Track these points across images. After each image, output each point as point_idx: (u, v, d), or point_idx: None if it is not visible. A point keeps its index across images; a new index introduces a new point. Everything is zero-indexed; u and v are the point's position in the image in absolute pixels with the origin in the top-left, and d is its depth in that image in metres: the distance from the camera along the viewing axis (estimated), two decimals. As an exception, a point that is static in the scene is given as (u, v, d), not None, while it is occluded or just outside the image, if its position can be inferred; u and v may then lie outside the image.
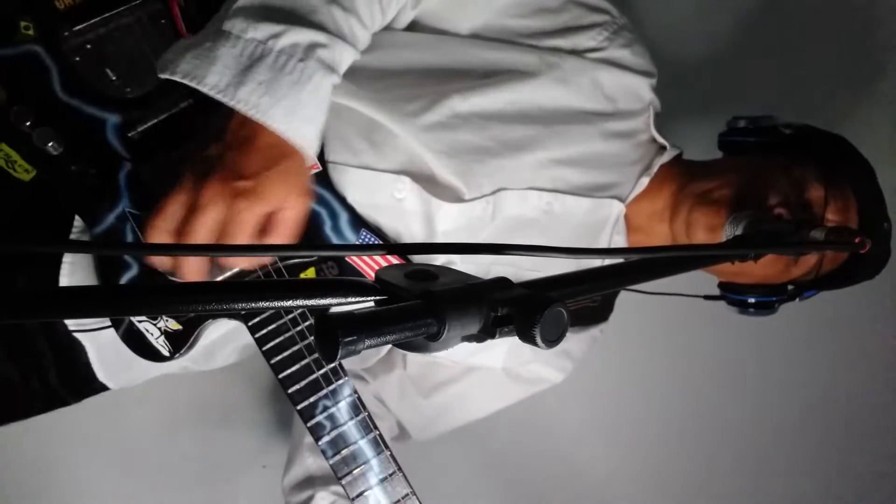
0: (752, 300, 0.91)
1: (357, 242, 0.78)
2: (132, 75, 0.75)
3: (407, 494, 0.80)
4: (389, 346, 0.36)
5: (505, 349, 0.93)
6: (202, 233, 0.65)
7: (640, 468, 1.50)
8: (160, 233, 0.66)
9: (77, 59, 0.73)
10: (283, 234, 0.68)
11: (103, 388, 0.90)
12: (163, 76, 0.67)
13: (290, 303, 0.38)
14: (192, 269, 0.69)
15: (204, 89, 0.65)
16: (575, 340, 1.00)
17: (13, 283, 0.80)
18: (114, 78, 0.75)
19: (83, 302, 0.32)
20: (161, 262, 0.71)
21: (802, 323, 1.32)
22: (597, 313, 1.01)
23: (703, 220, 0.85)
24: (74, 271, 0.81)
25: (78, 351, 0.85)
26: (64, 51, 0.73)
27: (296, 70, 0.67)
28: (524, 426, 1.37)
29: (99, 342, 0.85)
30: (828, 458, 1.44)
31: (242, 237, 0.65)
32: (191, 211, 0.65)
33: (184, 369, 0.94)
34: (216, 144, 0.68)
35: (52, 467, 1.36)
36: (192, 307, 0.34)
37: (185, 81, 0.66)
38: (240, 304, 0.35)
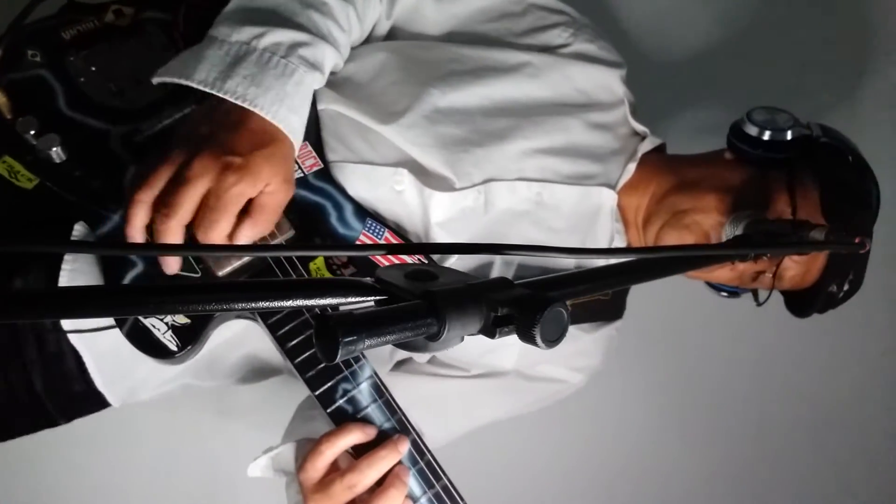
0: (724, 293, 0.97)
1: (364, 231, 0.79)
2: (135, 90, 0.79)
3: (444, 483, 0.76)
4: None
5: (517, 351, 0.92)
6: (187, 206, 0.64)
7: (644, 473, 1.49)
8: (142, 206, 0.65)
9: (82, 79, 0.78)
10: (265, 218, 0.69)
11: (102, 401, 0.86)
12: (155, 80, 0.71)
13: (289, 303, 0.38)
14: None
15: (192, 84, 0.68)
16: (590, 341, 0.98)
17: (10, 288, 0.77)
18: (117, 93, 0.79)
19: (81, 302, 0.32)
20: (132, 230, 0.67)
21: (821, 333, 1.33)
22: (609, 308, 1.00)
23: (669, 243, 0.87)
24: (74, 278, 0.78)
25: (69, 359, 0.82)
26: (70, 74, 0.78)
27: (279, 65, 0.71)
28: (530, 429, 1.36)
29: (97, 349, 0.82)
30: (841, 460, 1.43)
31: (227, 215, 0.65)
32: (177, 183, 0.65)
33: (185, 388, 0.91)
34: (206, 124, 0.69)
35: (50, 475, 1.36)
36: (192, 307, 0.35)
37: (174, 80, 0.69)
38: (239, 305, 0.36)
